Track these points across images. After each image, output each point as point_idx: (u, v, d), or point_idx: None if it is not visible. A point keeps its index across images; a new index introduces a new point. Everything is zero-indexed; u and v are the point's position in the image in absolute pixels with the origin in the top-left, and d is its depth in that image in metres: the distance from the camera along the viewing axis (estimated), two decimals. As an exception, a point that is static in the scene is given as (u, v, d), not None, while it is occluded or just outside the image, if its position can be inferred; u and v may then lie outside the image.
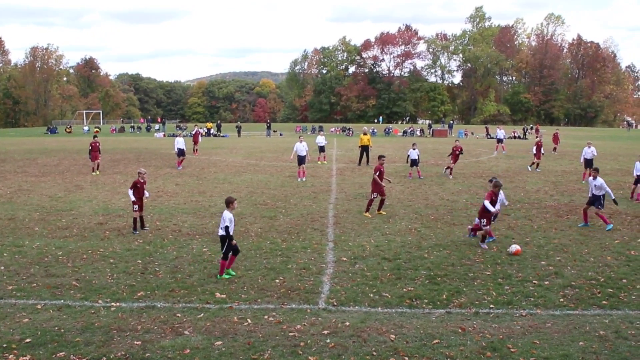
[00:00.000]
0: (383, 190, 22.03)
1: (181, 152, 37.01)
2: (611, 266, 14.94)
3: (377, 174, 21.85)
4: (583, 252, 16.36)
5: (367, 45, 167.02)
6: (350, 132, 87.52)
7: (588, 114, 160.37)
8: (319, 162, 39.83)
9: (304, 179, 30.52)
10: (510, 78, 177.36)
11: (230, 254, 13.86)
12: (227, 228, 13.68)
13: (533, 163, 37.13)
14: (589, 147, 32.21)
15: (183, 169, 35.58)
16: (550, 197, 25.91)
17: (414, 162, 32.42)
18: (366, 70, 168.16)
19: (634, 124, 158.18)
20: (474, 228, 17.90)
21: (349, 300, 12.21)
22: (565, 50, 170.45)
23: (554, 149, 50.51)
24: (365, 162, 38.84)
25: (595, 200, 19.64)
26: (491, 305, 12.00)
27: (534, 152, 36.99)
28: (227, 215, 13.76)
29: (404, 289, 12.93)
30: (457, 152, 33.08)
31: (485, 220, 16.88)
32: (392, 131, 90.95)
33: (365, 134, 40.29)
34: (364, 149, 39.11)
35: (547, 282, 13.56)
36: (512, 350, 9.80)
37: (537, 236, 18.19)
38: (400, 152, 51.30)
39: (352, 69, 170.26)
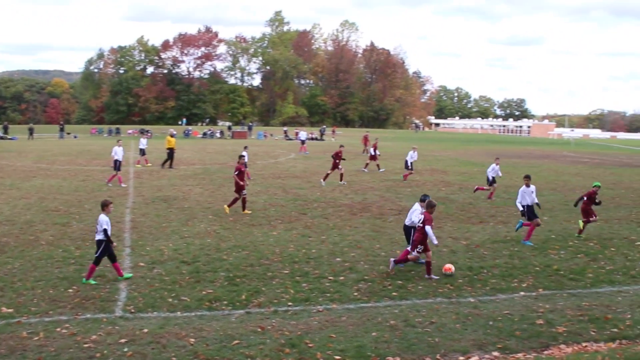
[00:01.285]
0: (244, 189, 22.62)
1: None
2: (400, 260, 15.81)
3: (237, 173, 22.49)
4: (375, 247, 17.19)
5: (166, 45, 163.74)
6: (149, 134, 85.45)
7: (380, 116, 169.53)
8: (139, 165, 38.92)
9: (123, 185, 29.30)
10: (308, 81, 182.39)
11: (92, 262, 13.57)
12: (105, 231, 13.29)
13: (367, 164, 38.96)
14: (414, 151, 34.35)
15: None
16: (345, 196, 26.94)
17: (246, 164, 32.34)
18: (165, 71, 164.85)
19: (421, 126, 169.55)
20: (400, 259, 15.01)
21: (147, 307, 11.92)
22: (359, 55, 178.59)
23: (364, 150, 52.92)
24: (169, 164, 37.98)
25: (533, 210, 18.58)
26: (289, 303, 12.25)
27: (372, 153, 39.04)
28: (104, 218, 13.48)
29: (203, 292, 12.84)
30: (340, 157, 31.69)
31: (422, 246, 14.39)
32: (192, 133, 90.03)
33: (172, 136, 39.48)
34: (172, 151, 38.22)
35: (342, 278, 14.07)
36: (310, 345, 10.07)
37: (333, 234, 18.84)
38: (199, 153, 50.97)
39: (150, 70, 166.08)
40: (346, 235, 18.65)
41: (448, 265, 14.68)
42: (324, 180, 31.18)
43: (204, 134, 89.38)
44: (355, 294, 12.94)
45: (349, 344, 10.16)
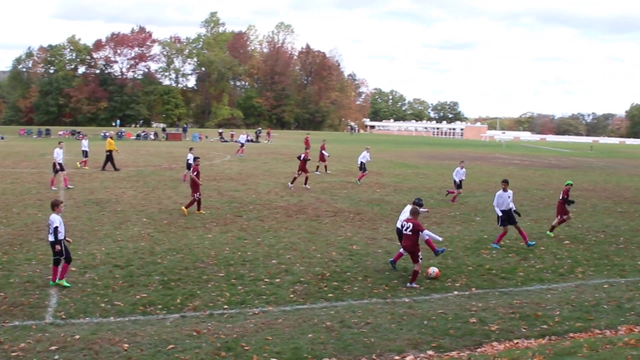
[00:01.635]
0: (200, 190, 22.90)
1: None
2: (336, 261, 15.92)
3: (195, 173, 22.80)
4: (311, 249, 17.22)
5: (98, 45, 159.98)
6: (81, 135, 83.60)
7: (316, 118, 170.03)
8: (78, 165, 38.26)
9: (70, 186, 28.77)
10: (243, 83, 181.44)
11: (63, 261, 13.22)
12: (56, 229, 13.04)
13: (325, 167, 39.26)
14: (367, 151, 34.87)
15: None
16: (280, 198, 26.91)
17: (189, 166, 31.95)
18: (97, 72, 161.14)
19: (357, 128, 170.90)
20: (396, 259, 15.52)
21: (78, 312, 11.64)
22: (295, 57, 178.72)
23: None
24: (113, 167, 37.19)
25: (511, 214, 18.25)
26: (225, 306, 12.16)
27: (325, 154, 39.23)
28: (55, 217, 13.26)
29: (137, 296, 12.62)
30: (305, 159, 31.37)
31: (420, 253, 14.22)
32: (125, 135, 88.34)
33: (112, 137, 38.74)
34: (110, 153, 37.41)
35: (278, 280, 14.05)
36: (246, 348, 10.02)
37: (268, 236, 18.79)
38: (133, 155, 50.16)
39: (82, 70, 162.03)
40: (282, 238, 18.63)
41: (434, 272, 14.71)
42: (306, 183, 31.20)
43: (138, 135, 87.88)
44: (291, 296, 12.94)
45: (285, 346, 10.15)
